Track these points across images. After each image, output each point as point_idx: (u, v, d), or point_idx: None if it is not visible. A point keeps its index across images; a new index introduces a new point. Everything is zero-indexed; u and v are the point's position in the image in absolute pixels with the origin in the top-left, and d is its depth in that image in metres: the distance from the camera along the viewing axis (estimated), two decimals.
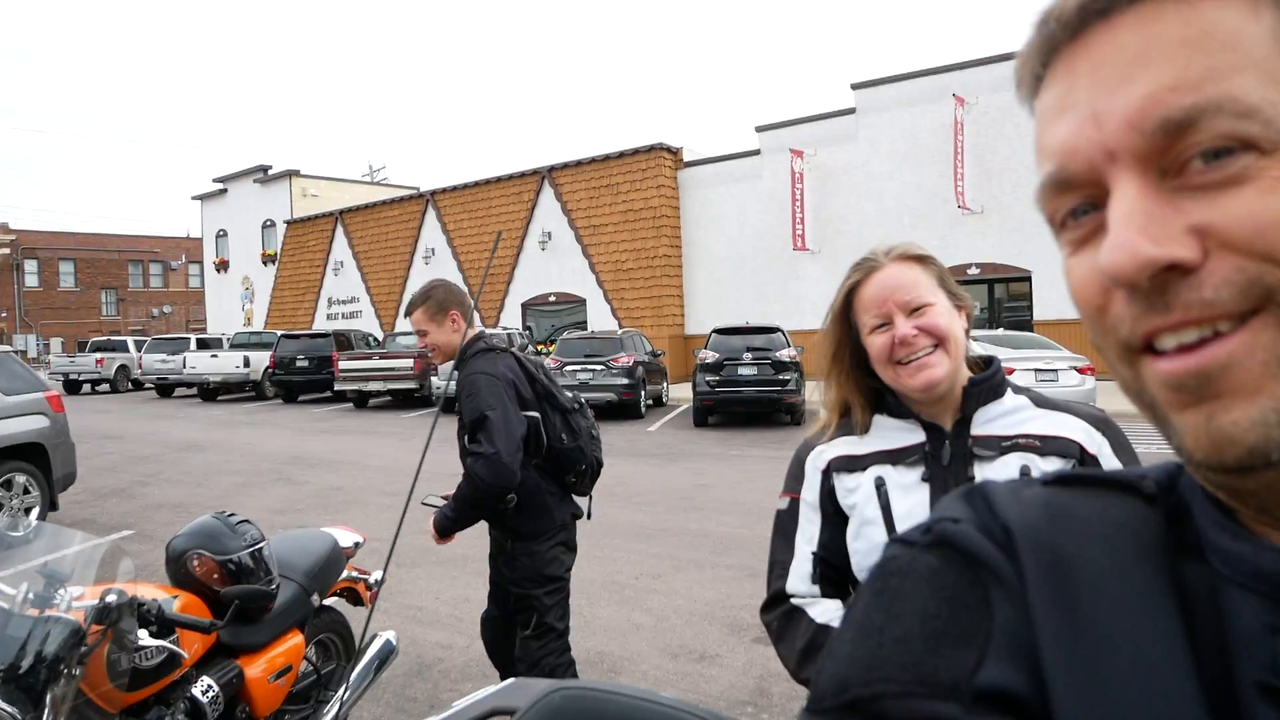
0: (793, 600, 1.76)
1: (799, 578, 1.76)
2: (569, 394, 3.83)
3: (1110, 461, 1.63)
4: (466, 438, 3.47)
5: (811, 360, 1.97)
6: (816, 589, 1.75)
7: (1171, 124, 0.47)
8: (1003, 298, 22.85)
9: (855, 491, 1.71)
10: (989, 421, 1.68)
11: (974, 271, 22.03)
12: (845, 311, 1.73)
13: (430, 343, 3.60)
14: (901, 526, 1.64)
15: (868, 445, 1.73)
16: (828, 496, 1.76)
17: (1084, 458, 1.63)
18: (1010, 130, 21.26)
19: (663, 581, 6.59)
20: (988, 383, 1.70)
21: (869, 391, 1.78)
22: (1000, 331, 17.01)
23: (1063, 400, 1.74)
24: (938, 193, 22.12)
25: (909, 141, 22.65)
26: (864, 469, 1.71)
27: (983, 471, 1.64)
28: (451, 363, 3.66)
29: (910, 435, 1.71)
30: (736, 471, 11.29)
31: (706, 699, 4.52)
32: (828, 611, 1.72)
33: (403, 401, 22.85)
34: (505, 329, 23.59)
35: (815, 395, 1.89)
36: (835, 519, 1.76)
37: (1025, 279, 21.69)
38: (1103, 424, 1.68)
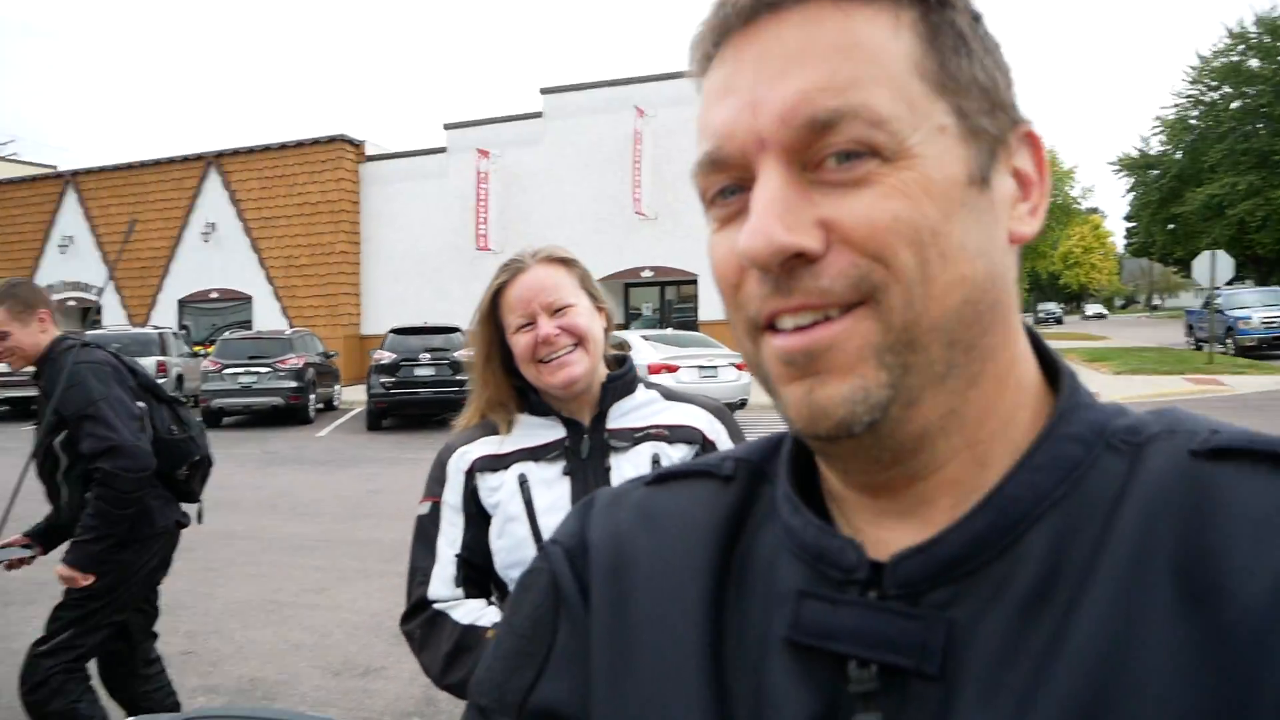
0: (435, 606, 1.73)
1: (442, 582, 1.74)
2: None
3: (726, 444, 1.77)
4: (62, 441, 3.09)
5: None
6: (460, 591, 1.73)
7: (817, 122, 0.51)
8: (673, 299, 24.31)
9: (499, 490, 1.72)
10: (624, 415, 1.78)
11: (648, 274, 23.22)
12: (492, 312, 1.76)
13: (12, 345, 3.17)
14: (544, 521, 1.68)
15: (510, 444, 1.76)
16: (471, 497, 1.74)
17: (705, 443, 1.78)
18: (685, 143, 22.62)
19: (326, 596, 6.27)
20: (622, 379, 1.81)
21: (515, 391, 1.80)
22: (669, 331, 18.12)
23: (688, 393, 1.88)
24: (617, 199, 23.03)
25: (593, 148, 23.37)
26: (507, 467, 1.73)
27: (617, 461, 1.74)
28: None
29: (551, 431, 1.76)
30: (411, 475, 10.99)
31: (370, 715, 4.32)
32: (472, 612, 1.71)
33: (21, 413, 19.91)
34: (156, 328, 21.28)
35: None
36: (479, 519, 1.74)
37: (693, 281, 23.18)
38: (720, 413, 1.85)
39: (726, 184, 0.56)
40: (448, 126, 25.13)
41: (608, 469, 1.73)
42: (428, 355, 15.95)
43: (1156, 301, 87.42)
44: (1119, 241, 67.41)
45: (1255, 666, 0.44)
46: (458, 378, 15.71)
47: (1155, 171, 51.03)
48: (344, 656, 5.13)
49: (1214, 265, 20.30)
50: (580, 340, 1.71)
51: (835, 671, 0.54)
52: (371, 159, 25.80)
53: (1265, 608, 0.45)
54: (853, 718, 0.52)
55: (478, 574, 1.76)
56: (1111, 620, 0.48)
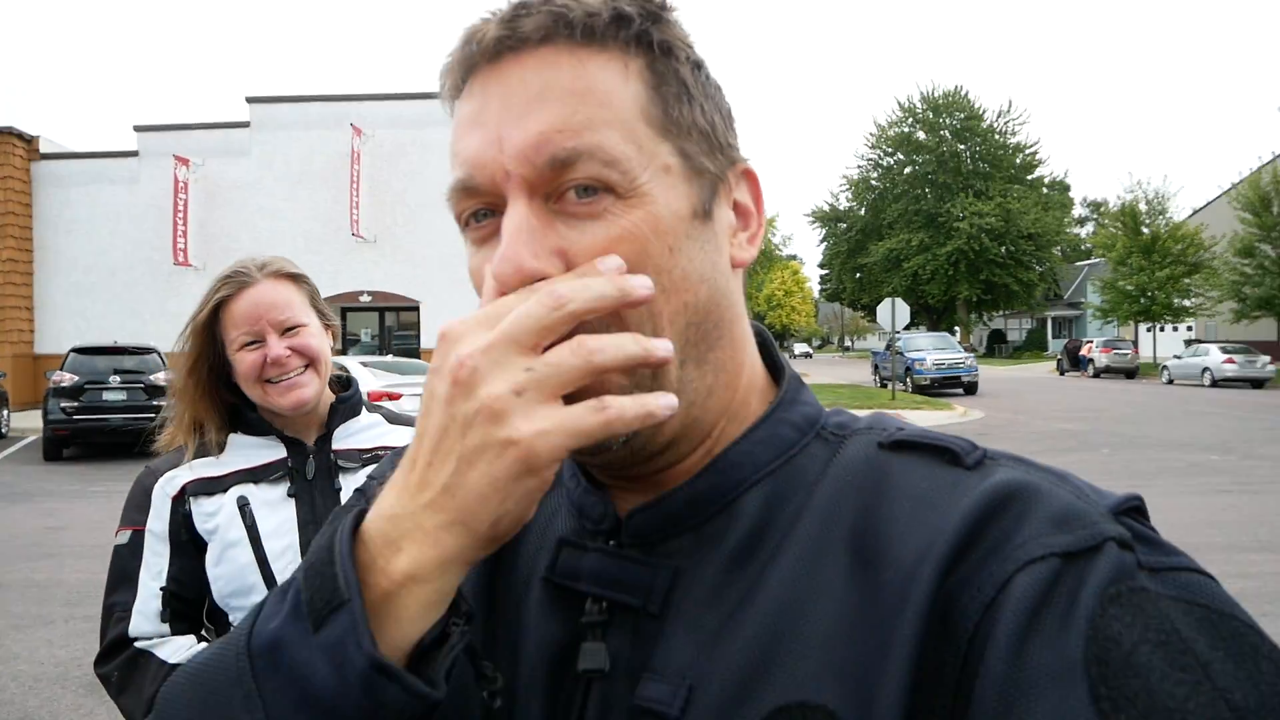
0: (137, 644, 1.62)
1: (144, 617, 1.63)
2: None
3: None
4: None
5: None
6: (165, 627, 1.63)
7: (557, 161, 0.57)
8: (393, 325, 23.68)
9: (216, 514, 1.64)
10: (349, 436, 1.76)
11: (366, 299, 22.50)
12: (210, 325, 1.67)
13: None
14: (270, 545, 1.62)
15: (226, 465, 1.67)
16: (182, 524, 1.65)
17: None
18: (405, 165, 22.23)
19: None
20: (349, 401, 1.79)
21: (227, 408, 1.72)
22: (390, 358, 17.63)
23: (410, 416, 1.85)
24: (334, 219, 22.17)
25: (306, 164, 22.38)
26: (224, 490, 1.65)
27: (348, 482, 1.72)
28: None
29: (271, 451, 1.70)
30: (101, 510, 9.85)
31: None
32: (180, 650, 1.61)
33: None
34: None
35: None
36: (189, 548, 1.65)
37: (414, 308, 22.74)
38: None
39: (479, 208, 0.62)
40: (139, 129, 23.12)
41: (338, 489, 1.69)
42: (118, 378, 14.53)
43: (848, 343, 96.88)
44: (815, 286, 74.17)
45: (896, 617, 0.53)
46: (154, 403, 14.34)
47: (844, 225, 56.71)
48: (24, 713, 4.59)
49: (894, 311, 22.67)
50: (311, 361, 1.67)
51: (577, 607, 0.63)
52: (47, 158, 23.06)
53: (910, 567, 0.54)
54: (581, 645, 0.61)
55: (187, 607, 1.66)
56: (796, 577, 0.57)
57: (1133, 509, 0.56)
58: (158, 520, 1.66)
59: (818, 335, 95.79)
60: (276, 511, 1.66)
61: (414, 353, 21.71)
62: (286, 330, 1.65)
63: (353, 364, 15.35)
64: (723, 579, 0.60)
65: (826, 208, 57.04)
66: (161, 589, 1.63)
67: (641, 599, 0.61)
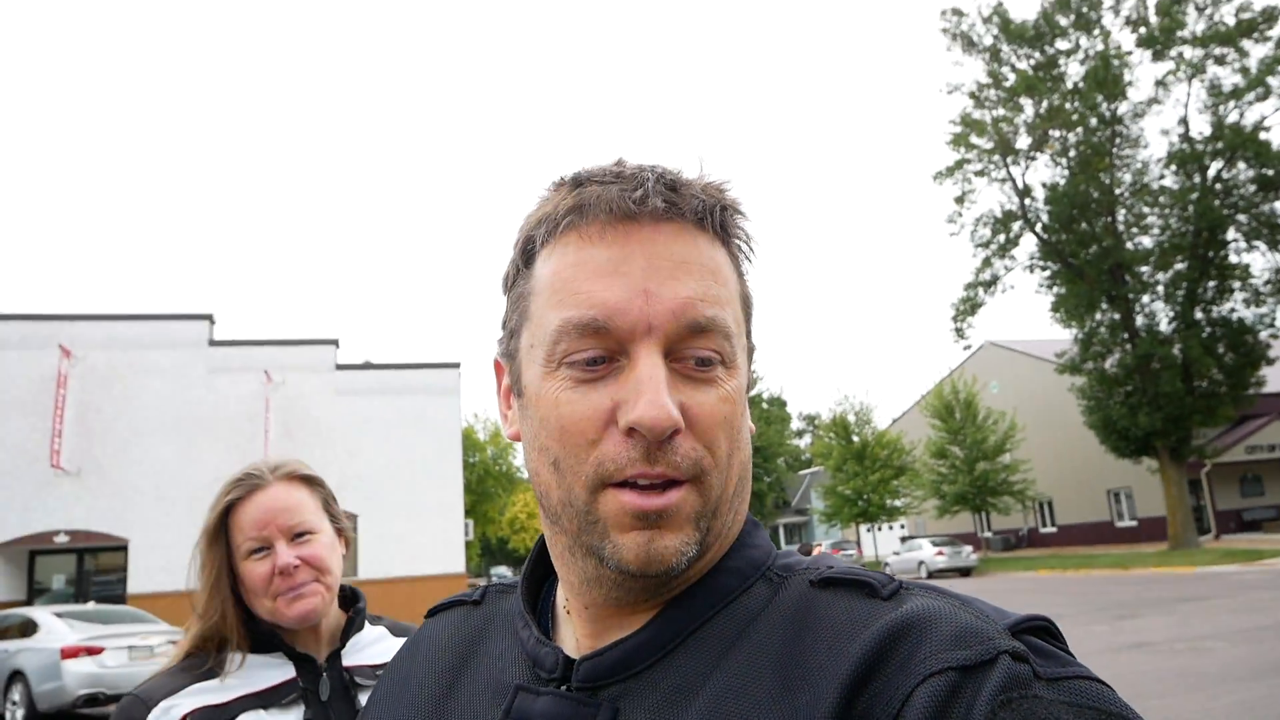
0: None
1: None
2: None
3: None
4: None
5: None
6: None
7: (697, 325, 0.67)
8: (92, 569, 20.83)
9: None
10: (359, 650, 1.63)
11: (63, 539, 19.76)
12: (220, 531, 1.55)
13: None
14: None
15: (229, 690, 1.49)
16: None
17: None
18: (119, 390, 20.43)
19: None
20: (363, 614, 1.67)
21: (246, 626, 1.56)
22: (92, 605, 15.21)
23: (409, 626, 1.74)
24: (28, 449, 19.67)
25: (2, 389, 19.90)
26: (232, 719, 1.45)
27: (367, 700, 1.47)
28: None
29: (279, 671, 1.53)
30: None
31: None
32: None
33: None
34: None
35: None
36: None
37: (122, 548, 20.25)
38: None
39: (598, 354, 0.67)
40: None
41: (357, 711, 1.53)
42: None
43: None
44: None
45: None
46: None
47: None
48: None
49: None
50: (320, 572, 1.55)
51: None
52: None
53: (822, 689, 0.60)
54: None
55: None
56: (726, 701, 0.63)
57: (1037, 628, 0.62)
58: None
59: None
60: None
61: (119, 599, 19.02)
62: (296, 536, 1.55)
63: (43, 615, 13.16)
64: (659, 713, 0.65)
65: None
66: None
67: None
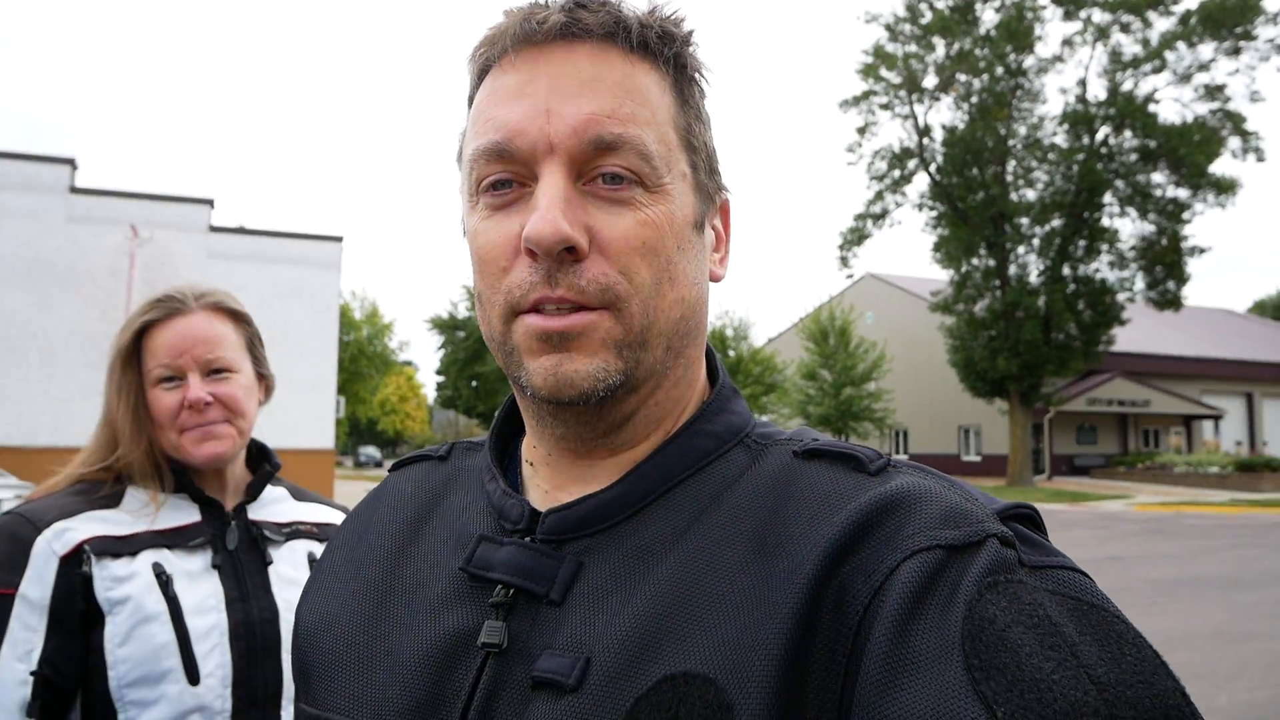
0: None
1: (6, 711, 1.27)
2: None
3: None
4: None
5: None
6: None
7: (602, 142, 0.64)
8: None
9: (127, 581, 1.34)
10: (263, 507, 1.57)
11: None
12: (134, 352, 1.44)
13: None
14: (193, 622, 1.36)
15: (129, 523, 1.39)
16: (78, 590, 1.31)
17: None
18: None
19: None
20: (275, 468, 1.60)
21: (165, 459, 1.46)
22: None
23: (311, 492, 1.72)
24: None
25: None
26: (134, 553, 1.37)
27: (276, 555, 1.51)
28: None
29: (183, 514, 1.45)
30: None
31: None
32: None
33: None
34: None
35: None
36: (75, 623, 1.31)
37: None
38: (347, 511, 1.73)
39: (505, 176, 0.66)
40: None
41: (268, 563, 1.49)
42: None
43: None
44: (431, 393, 73.72)
45: (780, 596, 0.58)
46: None
47: (462, 333, 57.47)
48: None
49: None
50: (234, 414, 1.46)
51: (485, 596, 0.68)
52: None
53: (802, 556, 0.59)
54: (484, 624, 0.66)
55: (58, 701, 1.26)
56: (695, 564, 0.63)
57: (1023, 516, 0.62)
58: (36, 584, 1.28)
59: (432, 442, 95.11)
60: (198, 585, 1.39)
61: None
62: (213, 372, 1.42)
63: None
64: (624, 569, 0.65)
65: (445, 315, 57.56)
66: (32, 673, 1.25)
67: (546, 587, 0.65)
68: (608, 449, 0.71)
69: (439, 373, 58.94)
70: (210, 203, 21.95)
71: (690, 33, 0.71)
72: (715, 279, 0.75)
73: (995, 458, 37.06)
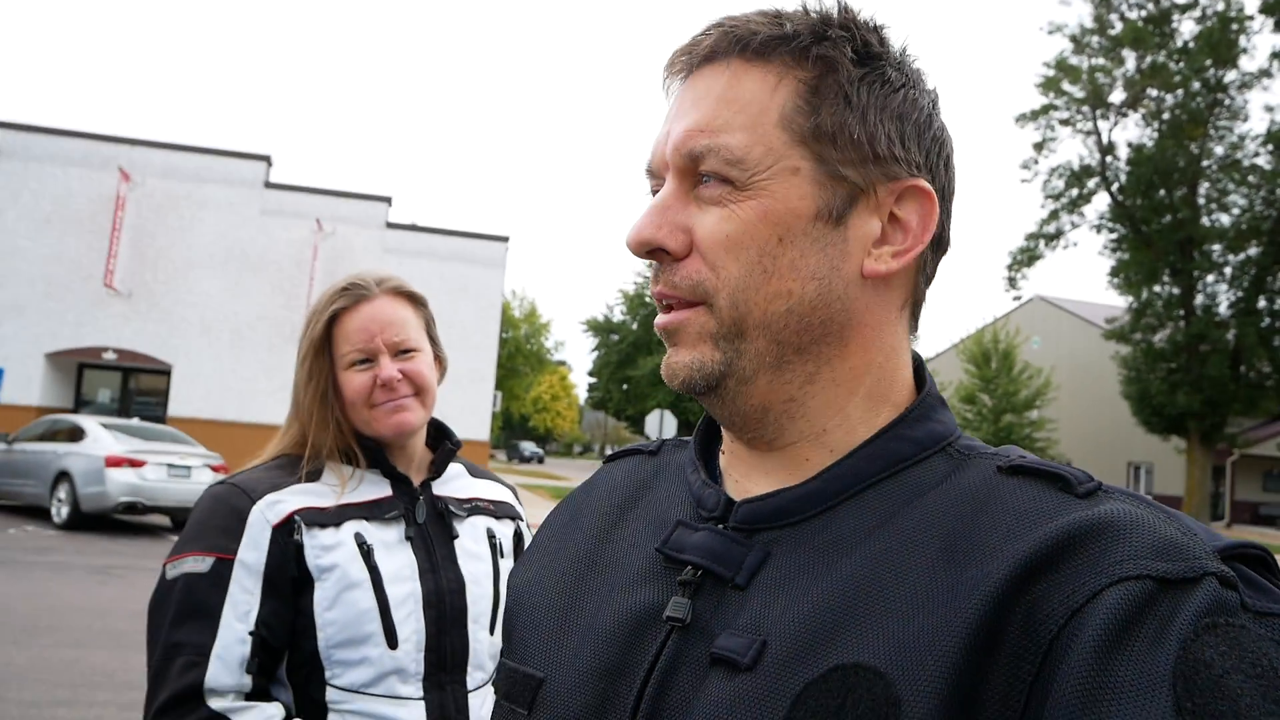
0: (214, 703, 1.32)
1: (226, 667, 1.35)
2: None
3: (526, 516, 1.77)
4: None
5: None
6: (249, 682, 1.37)
7: (694, 154, 0.69)
8: (135, 389, 21.53)
9: (334, 549, 1.44)
10: (446, 483, 1.65)
11: (110, 356, 20.37)
12: (326, 341, 1.54)
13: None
14: (392, 590, 1.46)
15: (330, 496, 1.49)
16: (290, 558, 1.42)
17: (515, 516, 1.74)
18: (174, 220, 20.68)
19: None
20: (457, 446, 1.68)
21: (353, 438, 1.56)
22: (135, 421, 15.81)
23: (484, 469, 1.80)
24: (83, 266, 20.08)
25: (59, 203, 20.26)
26: (338, 524, 1.47)
27: (462, 529, 1.60)
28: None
29: (376, 488, 1.55)
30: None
31: None
32: None
33: None
34: None
35: None
36: (287, 588, 1.42)
37: (165, 372, 20.86)
38: (515, 490, 1.83)
39: (654, 187, 0.74)
40: None
41: (455, 537, 1.58)
42: None
43: (610, 450, 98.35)
44: (582, 394, 75.22)
45: (964, 603, 0.58)
46: None
47: (616, 336, 58.27)
48: None
49: (661, 423, 23.43)
50: (420, 390, 1.55)
51: (678, 573, 0.72)
52: None
53: (994, 570, 0.58)
54: (671, 599, 0.70)
55: (271, 660, 1.40)
56: (881, 563, 0.63)
57: (1250, 557, 0.57)
58: (253, 550, 1.41)
59: (580, 441, 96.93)
60: (394, 555, 1.49)
61: (160, 420, 19.73)
62: (400, 353, 1.55)
63: (90, 424, 13.69)
64: (809, 562, 0.67)
65: (601, 318, 58.54)
66: (251, 633, 1.37)
67: (732, 571, 0.68)
68: (764, 442, 0.73)
69: (591, 374, 59.99)
70: (388, 200, 23.20)
71: (842, 17, 0.70)
72: (871, 274, 0.70)
73: (1168, 499, 34.55)
